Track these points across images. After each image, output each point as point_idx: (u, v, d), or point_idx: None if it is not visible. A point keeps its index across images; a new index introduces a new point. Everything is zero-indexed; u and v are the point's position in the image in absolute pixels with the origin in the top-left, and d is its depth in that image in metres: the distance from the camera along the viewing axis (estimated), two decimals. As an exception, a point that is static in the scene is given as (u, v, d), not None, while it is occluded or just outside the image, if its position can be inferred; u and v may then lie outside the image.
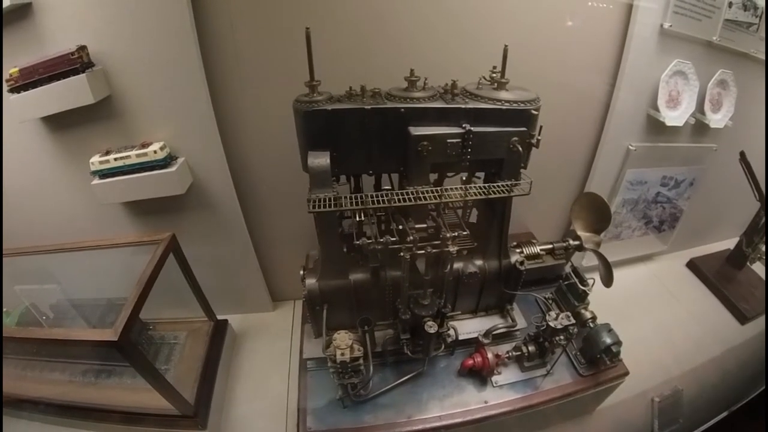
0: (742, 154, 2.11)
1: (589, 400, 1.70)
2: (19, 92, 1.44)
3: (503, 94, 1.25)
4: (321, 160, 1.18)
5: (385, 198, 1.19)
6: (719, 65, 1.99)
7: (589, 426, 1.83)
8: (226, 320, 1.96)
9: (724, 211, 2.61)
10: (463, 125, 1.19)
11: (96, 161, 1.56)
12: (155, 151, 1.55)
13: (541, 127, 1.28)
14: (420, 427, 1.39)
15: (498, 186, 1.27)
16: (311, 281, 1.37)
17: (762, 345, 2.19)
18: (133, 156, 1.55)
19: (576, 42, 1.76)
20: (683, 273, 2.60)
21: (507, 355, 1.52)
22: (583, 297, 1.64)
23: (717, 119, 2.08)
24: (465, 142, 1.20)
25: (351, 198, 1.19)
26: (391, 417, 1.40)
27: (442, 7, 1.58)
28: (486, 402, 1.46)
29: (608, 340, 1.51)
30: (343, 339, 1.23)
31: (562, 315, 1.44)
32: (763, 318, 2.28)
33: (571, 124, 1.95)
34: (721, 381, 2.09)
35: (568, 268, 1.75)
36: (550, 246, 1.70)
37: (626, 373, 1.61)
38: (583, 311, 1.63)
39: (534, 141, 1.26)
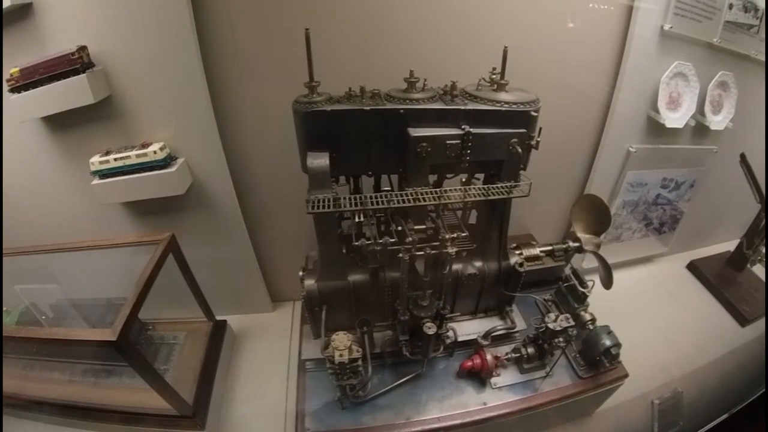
0: (743, 156, 2.11)
1: (589, 402, 1.70)
2: (19, 92, 1.44)
3: (503, 96, 1.25)
4: (320, 160, 1.18)
5: (384, 199, 1.19)
6: (720, 67, 1.99)
7: (588, 428, 1.83)
8: (225, 321, 1.96)
9: (725, 213, 2.61)
10: (463, 126, 1.18)
11: (96, 161, 1.56)
12: (155, 152, 1.55)
13: (540, 128, 1.28)
14: (419, 428, 1.39)
15: (497, 187, 1.27)
16: (310, 282, 1.37)
17: (762, 347, 2.18)
18: (133, 156, 1.55)
19: (576, 43, 1.76)
20: (683, 275, 2.59)
21: (506, 357, 1.52)
22: (582, 299, 1.64)
23: (717, 121, 2.07)
24: (464, 144, 1.20)
25: (350, 199, 1.19)
26: (390, 418, 1.40)
27: (442, 7, 1.58)
28: (485, 404, 1.45)
29: (608, 342, 1.51)
30: (341, 340, 1.22)
31: (561, 317, 1.43)
32: (763, 320, 2.27)
33: (571, 126, 1.95)
34: (721, 383, 2.08)
35: (567, 270, 1.75)
36: (550, 248, 1.70)
37: (626, 375, 1.61)
38: (582, 313, 1.62)
39: (533, 142, 1.25)
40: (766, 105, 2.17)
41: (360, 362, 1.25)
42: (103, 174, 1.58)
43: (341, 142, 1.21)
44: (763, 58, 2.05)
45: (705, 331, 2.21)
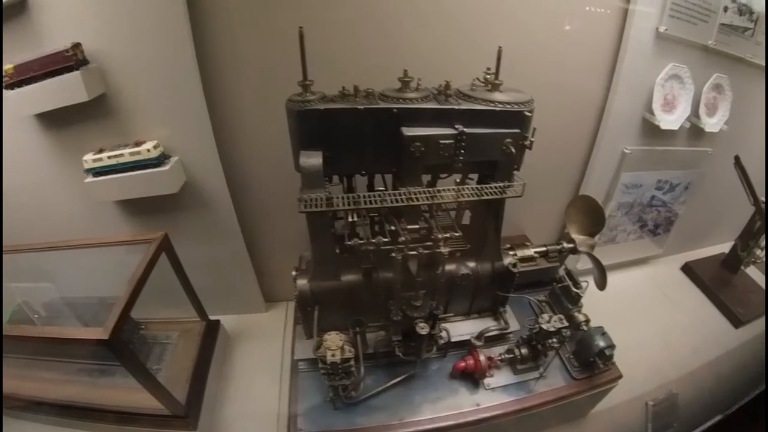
0: (737, 159, 2.12)
1: (583, 404, 1.70)
2: (13, 89, 1.43)
3: (497, 96, 1.25)
4: (313, 159, 1.18)
5: (376, 198, 1.18)
6: (715, 69, 2.00)
7: (582, 430, 1.83)
8: (218, 321, 1.95)
9: (720, 215, 2.62)
10: (456, 126, 1.18)
11: (89, 159, 1.55)
12: (149, 150, 1.54)
13: (534, 128, 1.27)
14: (412, 429, 1.38)
15: (490, 187, 1.27)
16: (302, 282, 1.37)
17: (757, 349, 2.19)
18: (126, 154, 1.54)
19: (572, 44, 1.76)
20: (678, 277, 2.60)
21: (499, 358, 1.51)
22: (576, 300, 1.64)
23: (712, 123, 2.08)
24: (458, 144, 1.20)
25: (343, 198, 1.19)
26: (383, 419, 1.39)
27: (438, 8, 1.58)
28: (478, 405, 1.45)
29: (601, 344, 1.51)
30: (333, 340, 1.22)
31: (555, 318, 1.43)
32: (757, 322, 2.28)
33: (566, 127, 1.95)
34: (716, 385, 2.09)
35: (561, 271, 1.75)
36: (544, 249, 1.70)
37: (620, 377, 1.61)
38: (576, 314, 1.63)
39: (527, 143, 1.25)
40: (766, 107, 2.18)
41: (352, 362, 1.25)
42: (97, 172, 1.57)
43: (334, 141, 1.21)
44: (758, 61, 2.06)
45: (700, 333, 2.21)
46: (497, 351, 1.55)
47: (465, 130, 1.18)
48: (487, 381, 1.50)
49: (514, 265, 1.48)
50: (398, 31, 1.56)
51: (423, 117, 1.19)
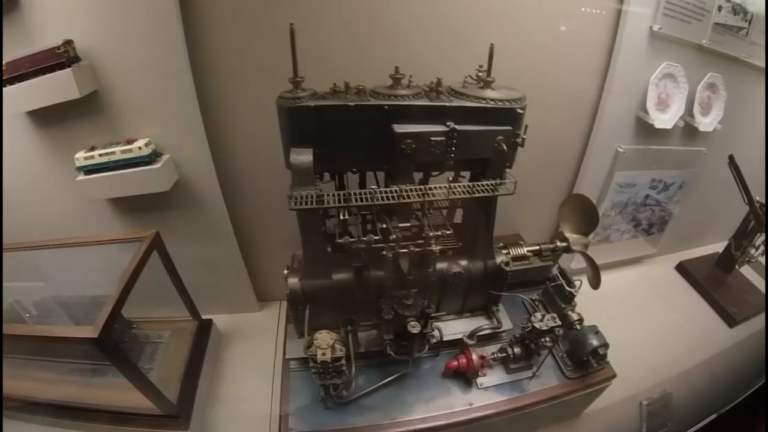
0: (731, 158, 2.12)
1: (577, 403, 1.69)
2: (5, 86, 1.42)
3: (489, 93, 1.24)
4: (303, 157, 1.17)
5: (367, 196, 1.18)
6: (709, 69, 2.00)
7: (576, 429, 1.82)
8: (210, 320, 1.94)
9: (714, 215, 2.62)
10: (447, 123, 1.18)
11: (81, 157, 1.54)
12: (140, 148, 1.53)
13: (526, 126, 1.27)
14: (404, 429, 1.37)
15: (482, 185, 1.26)
16: (293, 280, 1.36)
17: (751, 348, 2.19)
18: (117, 152, 1.53)
19: (565, 43, 1.76)
20: (672, 276, 2.60)
21: (492, 357, 1.51)
22: (569, 299, 1.64)
23: (706, 123, 2.09)
24: (449, 141, 1.19)
25: (333, 196, 1.18)
26: (375, 419, 1.38)
27: (432, 6, 1.57)
28: (471, 404, 1.44)
29: (595, 342, 1.50)
30: (324, 339, 1.21)
31: (547, 316, 1.43)
32: (752, 321, 2.28)
33: (560, 126, 1.96)
34: (710, 384, 2.08)
35: (555, 270, 1.75)
36: (537, 247, 1.69)
37: (613, 376, 1.60)
38: (569, 313, 1.62)
39: (519, 140, 1.25)
40: (766, 107, 2.18)
41: (343, 361, 1.24)
42: (88, 170, 1.56)
43: (325, 138, 1.20)
44: (753, 61, 2.07)
45: (694, 333, 2.21)
46: (490, 350, 1.54)
47: (456, 127, 1.18)
48: (479, 380, 1.49)
49: (507, 264, 1.48)
50: (391, 28, 1.56)
51: (414, 114, 1.19)
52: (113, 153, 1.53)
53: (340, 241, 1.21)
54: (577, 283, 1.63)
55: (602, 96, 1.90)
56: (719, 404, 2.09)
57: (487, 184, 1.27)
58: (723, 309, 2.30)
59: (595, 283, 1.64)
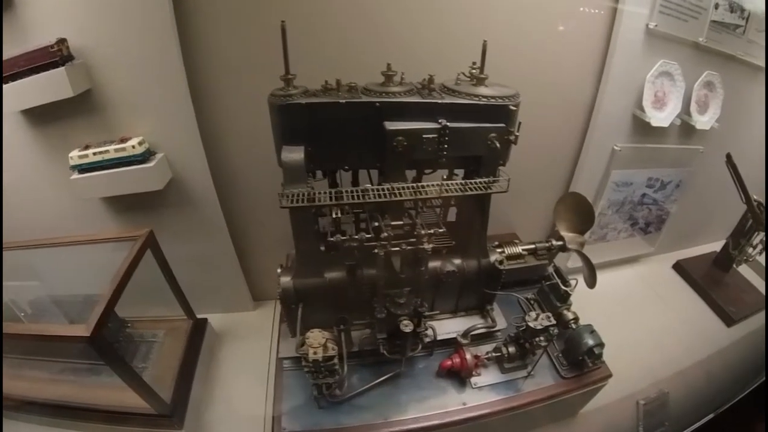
0: (729, 157, 2.11)
1: (573, 403, 1.68)
2: (-1, 85, 1.42)
3: (481, 90, 1.24)
4: (294, 154, 1.17)
5: (359, 194, 1.17)
6: (706, 67, 1.99)
7: (573, 429, 1.81)
8: (205, 319, 1.93)
9: (711, 214, 2.61)
10: (439, 120, 1.17)
11: (75, 156, 1.54)
12: (134, 146, 1.53)
13: (520, 123, 1.26)
14: (397, 428, 1.36)
15: (475, 183, 1.26)
16: (286, 279, 1.35)
17: (749, 347, 2.18)
18: (111, 151, 1.53)
19: (561, 41, 1.75)
20: (670, 275, 2.59)
21: (486, 357, 1.50)
22: (565, 298, 1.62)
23: (704, 121, 2.08)
24: (441, 138, 1.19)
25: (324, 193, 1.17)
26: (368, 418, 1.38)
27: (425, 4, 1.57)
28: (464, 404, 1.43)
29: (590, 342, 1.50)
30: (316, 337, 1.21)
31: (542, 315, 1.42)
32: (750, 320, 2.27)
33: (555, 124, 1.95)
34: (708, 384, 2.07)
35: (550, 269, 1.74)
36: (533, 246, 1.68)
37: (609, 376, 1.59)
38: (565, 312, 1.61)
39: (512, 137, 1.24)
40: (766, 105, 2.17)
41: (336, 360, 1.23)
42: (83, 168, 1.56)
43: (317, 136, 1.20)
44: (750, 59, 2.05)
45: (691, 332, 2.20)
46: (485, 349, 1.53)
47: (448, 124, 1.17)
48: (474, 380, 1.49)
49: (501, 263, 1.47)
50: (384, 25, 1.55)
51: (406, 111, 1.18)
52: (107, 152, 1.53)
53: (331, 239, 1.21)
54: (573, 282, 1.62)
55: (598, 94, 1.90)
56: (716, 404, 2.07)
57: (479, 182, 1.26)
58: (720, 308, 2.29)
59: (591, 282, 1.63)
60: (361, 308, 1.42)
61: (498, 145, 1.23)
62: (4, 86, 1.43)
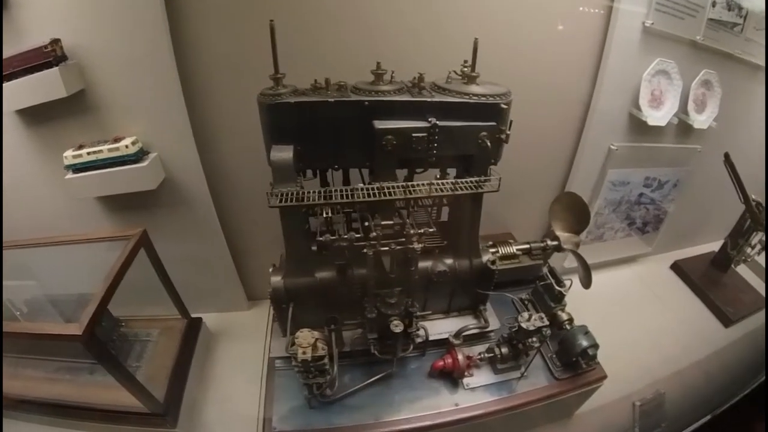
0: (727, 156, 2.09)
1: (568, 404, 1.67)
2: (-6, 85, 1.43)
3: (472, 88, 1.23)
4: (283, 154, 1.16)
5: (348, 193, 1.17)
6: (703, 65, 1.98)
7: (568, 430, 1.80)
8: (200, 318, 1.93)
9: (709, 213, 2.59)
10: (429, 119, 1.16)
11: (69, 155, 1.55)
12: (127, 146, 1.53)
13: (511, 122, 1.25)
14: (389, 429, 1.36)
15: (465, 182, 1.25)
16: (276, 279, 1.35)
17: (747, 348, 2.16)
18: (105, 150, 1.53)
19: (556, 39, 1.74)
20: (667, 275, 2.57)
21: (479, 357, 1.49)
22: (559, 298, 1.61)
23: (701, 120, 2.06)
24: (431, 137, 1.18)
25: (313, 193, 1.17)
26: (360, 418, 1.37)
27: (419, 2, 1.56)
28: (457, 405, 1.42)
29: (584, 343, 1.48)
30: (305, 337, 1.20)
31: (535, 316, 1.41)
32: (748, 321, 2.25)
33: (551, 123, 1.94)
34: (705, 384, 2.06)
35: (545, 269, 1.72)
36: (527, 246, 1.68)
37: (604, 377, 1.58)
38: (559, 313, 1.60)
39: (503, 136, 1.23)
40: (766, 105, 2.15)
41: (326, 360, 1.23)
42: (77, 168, 1.57)
43: (306, 135, 1.19)
44: (748, 58, 2.04)
45: (689, 332, 2.19)
46: (478, 350, 1.52)
47: (438, 122, 1.16)
48: (466, 380, 1.48)
49: (493, 263, 1.46)
50: (376, 24, 1.55)
51: (396, 110, 1.18)
52: (101, 151, 1.54)
53: (320, 238, 1.21)
54: (567, 283, 1.61)
55: (594, 92, 1.88)
56: (714, 405, 2.06)
57: (470, 182, 1.26)
58: (718, 308, 2.28)
59: (587, 283, 1.62)
60: (353, 308, 1.41)
61: (489, 143, 1.22)
62: (-1, 86, 1.43)
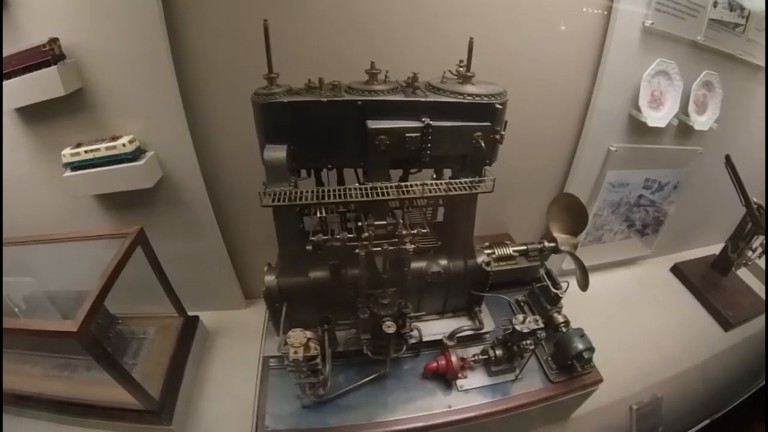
0: (728, 158, 2.07)
1: (563, 407, 1.66)
2: (-8, 83, 1.44)
3: (467, 88, 1.22)
4: (277, 153, 1.16)
5: (340, 193, 1.16)
6: (704, 66, 1.95)
7: (565, 433, 1.79)
8: (197, 316, 1.94)
9: (710, 216, 2.57)
10: (423, 119, 1.16)
11: (67, 153, 1.56)
12: (124, 144, 1.54)
13: (506, 122, 1.25)
14: (381, 429, 1.36)
15: (459, 183, 1.24)
16: (270, 278, 1.35)
17: (747, 352, 2.14)
18: (102, 149, 1.54)
19: (555, 39, 1.73)
20: (667, 278, 2.55)
21: (473, 359, 1.48)
22: (555, 300, 1.60)
23: (702, 121, 2.04)
24: (424, 137, 1.17)
25: (306, 192, 1.17)
26: (353, 418, 1.37)
27: (416, 2, 1.56)
28: (449, 406, 1.42)
29: (580, 346, 1.47)
30: (297, 337, 1.20)
31: (529, 318, 1.40)
32: (748, 325, 2.23)
33: (550, 124, 1.92)
34: (704, 388, 2.04)
35: (542, 271, 1.71)
36: (524, 247, 1.67)
37: (600, 381, 1.57)
38: (555, 315, 1.60)
39: (498, 136, 1.22)
40: (767, 106, 2.12)
41: (318, 360, 1.23)
42: (75, 166, 1.58)
43: (300, 135, 1.19)
44: (750, 59, 2.01)
45: (688, 336, 2.17)
46: (472, 351, 1.52)
47: (432, 122, 1.16)
48: (460, 382, 1.47)
49: (488, 264, 1.45)
50: (372, 24, 1.54)
51: (389, 109, 1.17)
52: (98, 150, 1.54)
53: (313, 238, 1.20)
54: (564, 285, 1.59)
55: (593, 93, 1.87)
56: (713, 409, 2.04)
57: (464, 182, 1.25)
58: (718, 312, 2.26)
59: (584, 285, 1.61)
60: (346, 308, 1.41)
61: (483, 144, 1.21)
62: (-2, 85, 1.44)
